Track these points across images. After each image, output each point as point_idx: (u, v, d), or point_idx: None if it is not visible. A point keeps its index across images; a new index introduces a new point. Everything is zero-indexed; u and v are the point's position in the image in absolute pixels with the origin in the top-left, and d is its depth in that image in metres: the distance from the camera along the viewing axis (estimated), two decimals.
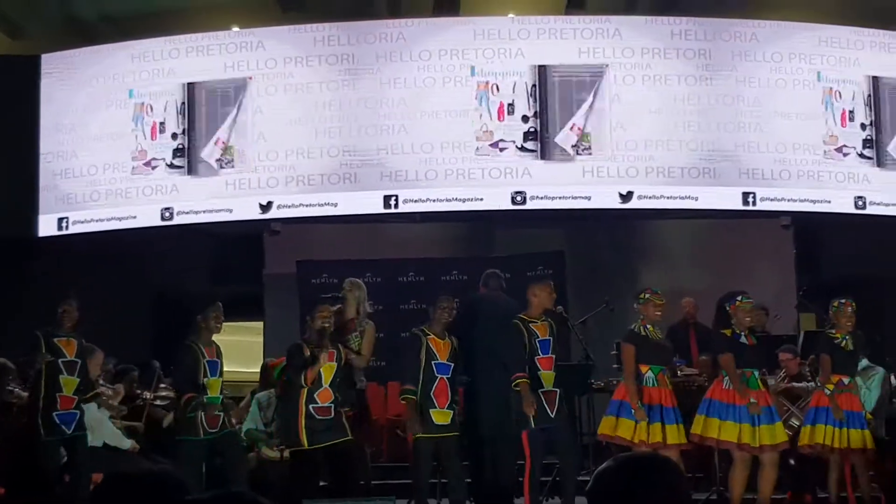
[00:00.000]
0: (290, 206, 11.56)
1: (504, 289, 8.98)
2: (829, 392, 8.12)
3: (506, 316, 8.42)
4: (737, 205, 11.45)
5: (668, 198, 11.38)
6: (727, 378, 7.93)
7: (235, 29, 12.22)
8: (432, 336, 8.09)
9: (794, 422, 8.71)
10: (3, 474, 8.54)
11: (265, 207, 11.54)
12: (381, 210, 11.42)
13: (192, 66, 11.83)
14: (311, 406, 7.75)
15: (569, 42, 11.51)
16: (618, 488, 2.63)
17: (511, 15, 12.11)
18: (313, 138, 11.51)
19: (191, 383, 8.09)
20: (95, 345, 8.91)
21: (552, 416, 7.91)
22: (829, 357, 8.20)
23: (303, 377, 7.73)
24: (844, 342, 8.21)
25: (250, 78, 11.68)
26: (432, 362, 8.01)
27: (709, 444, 8.09)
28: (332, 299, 8.69)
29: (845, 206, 11.62)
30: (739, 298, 8.10)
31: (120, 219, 11.90)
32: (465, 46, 11.51)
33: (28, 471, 8.15)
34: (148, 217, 11.79)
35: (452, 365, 8.04)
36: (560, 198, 11.31)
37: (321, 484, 8.02)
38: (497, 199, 11.34)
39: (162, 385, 9.71)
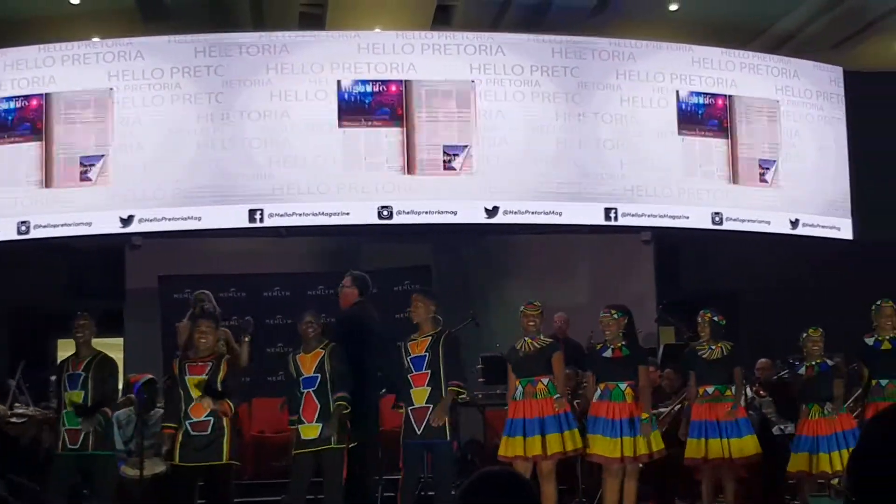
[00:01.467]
0: (152, 220, 11.33)
1: (370, 294, 8.96)
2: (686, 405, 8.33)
3: (377, 330, 8.48)
4: (599, 220, 11.65)
5: (532, 213, 11.51)
6: (597, 392, 8.12)
7: (96, 39, 11.96)
8: (300, 353, 8.07)
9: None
10: None
11: (126, 221, 11.28)
12: (247, 224, 11.27)
13: (54, 75, 11.50)
14: (187, 422, 7.61)
15: (436, 57, 11.56)
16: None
17: (377, 29, 12.13)
18: (177, 151, 11.32)
19: (54, 397, 7.95)
20: None
21: (418, 433, 7.93)
22: (693, 372, 8.42)
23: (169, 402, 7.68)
24: (710, 352, 8.39)
25: (111, 89, 11.42)
26: (300, 378, 7.99)
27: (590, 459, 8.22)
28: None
29: (703, 221, 11.92)
30: (601, 314, 8.29)
31: None
32: (331, 60, 11.45)
33: None
34: (3, 231, 11.40)
35: (318, 376, 7.97)
36: (426, 212, 11.35)
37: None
38: (363, 214, 11.32)
39: (17, 404, 9.44)
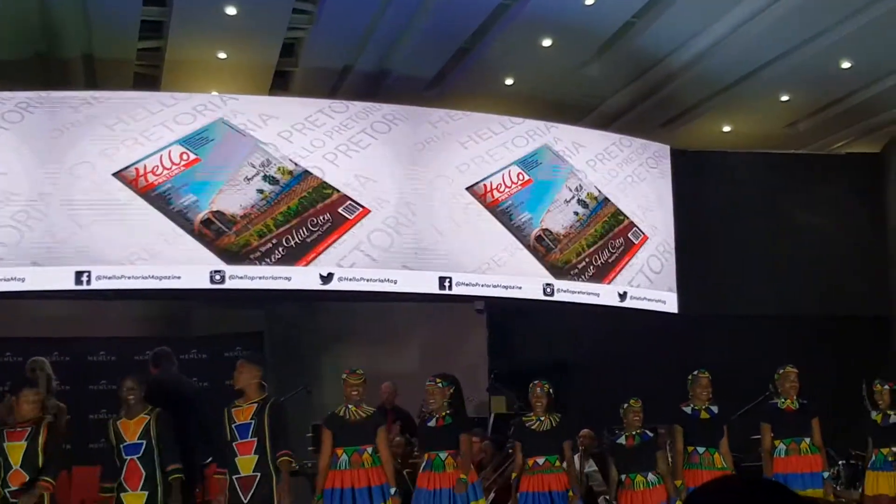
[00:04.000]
0: None
1: (174, 365, 8.84)
2: (513, 479, 8.41)
3: (184, 395, 8.33)
4: (433, 289, 11.73)
5: (367, 280, 11.51)
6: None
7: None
8: (122, 419, 7.84)
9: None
10: None
11: None
12: (73, 287, 10.94)
13: None
14: (6, 489, 7.39)
15: (272, 122, 11.50)
16: None
17: (214, 92, 12.05)
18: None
19: None
20: None
21: (245, 502, 7.78)
22: (519, 444, 8.50)
23: None
24: (538, 423, 8.49)
25: None
26: (121, 445, 7.76)
27: None
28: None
29: (535, 292, 12.12)
30: (427, 383, 8.34)
31: None
32: (164, 120, 11.25)
33: None
34: None
35: (144, 443, 7.76)
36: (261, 278, 11.22)
37: None
38: (196, 278, 11.12)
39: None
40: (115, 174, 11.08)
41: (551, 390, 8.61)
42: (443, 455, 8.15)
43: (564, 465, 8.42)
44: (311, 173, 11.46)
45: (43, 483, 7.52)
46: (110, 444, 7.82)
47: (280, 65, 12.82)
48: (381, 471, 8.02)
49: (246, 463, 7.82)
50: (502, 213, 12.11)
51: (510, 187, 12.18)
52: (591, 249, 12.48)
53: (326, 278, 11.35)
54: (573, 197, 12.52)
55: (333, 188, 11.48)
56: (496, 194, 12.11)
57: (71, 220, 10.97)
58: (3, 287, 10.90)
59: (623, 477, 8.37)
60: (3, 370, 10.67)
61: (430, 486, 8.05)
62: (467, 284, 11.85)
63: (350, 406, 8.15)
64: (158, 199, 11.05)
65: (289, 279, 11.31)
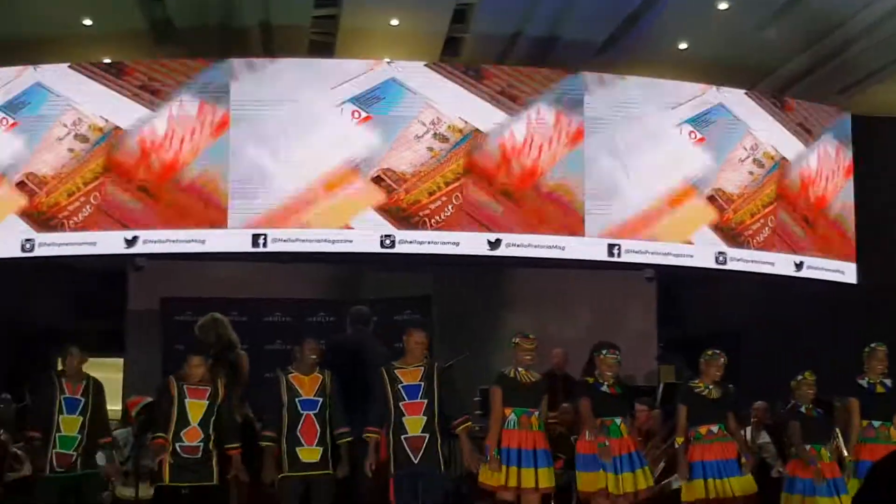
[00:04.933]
0: (156, 242, 11.36)
1: (370, 326, 8.98)
2: (677, 445, 8.29)
3: (372, 358, 8.45)
4: (602, 256, 11.65)
5: (535, 246, 11.51)
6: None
7: (107, 60, 12.03)
8: (295, 374, 8.02)
9: (675, 484, 8.79)
10: None
11: (130, 242, 11.32)
12: (250, 249, 11.29)
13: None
14: (177, 444, 7.68)
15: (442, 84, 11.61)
16: None
17: (386, 59, 12.18)
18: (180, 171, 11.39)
19: (43, 418, 7.91)
20: None
21: (415, 462, 7.90)
22: (686, 408, 8.36)
23: (161, 418, 7.68)
24: (708, 391, 8.37)
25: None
26: (296, 399, 7.93)
27: (590, 497, 8.17)
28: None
29: (706, 260, 11.92)
30: (604, 352, 8.25)
31: None
32: (341, 83, 11.50)
33: None
34: (8, 248, 11.41)
35: (321, 400, 7.95)
36: (429, 242, 11.35)
37: None
38: (366, 242, 11.34)
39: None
40: (293, 137, 11.38)
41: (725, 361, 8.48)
42: (618, 421, 8.12)
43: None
44: (480, 131, 11.52)
45: (232, 451, 7.83)
46: (277, 396, 8.00)
47: (451, 31, 12.87)
48: (545, 436, 8.07)
49: (415, 423, 7.93)
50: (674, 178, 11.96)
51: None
52: (766, 210, 12.19)
53: (494, 244, 11.39)
54: (748, 157, 12.25)
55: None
56: None
57: (247, 184, 11.31)
58: (185, 248, 11.33)
59: (803, 448, 8.21)
60: (183, 328, 11.06)
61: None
62: (637, 252, 11.74)
63: (520, 369, 8.19)
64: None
65: (457, 244, 11.40)
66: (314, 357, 8.03)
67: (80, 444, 7.97)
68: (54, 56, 11.96)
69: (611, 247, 11.65)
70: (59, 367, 8.27)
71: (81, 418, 7.97)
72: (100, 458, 8.54)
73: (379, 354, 8.64)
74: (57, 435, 7.88)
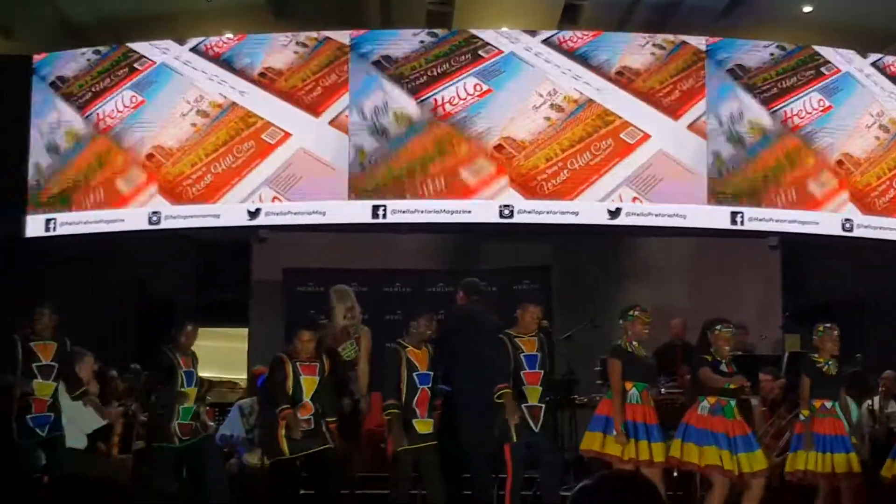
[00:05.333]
0: (278, 214, 11.54)
1: (482, 297, 8.97)
2: (803, 418, 8.14)
3: (487, 328, 8.47)
4: (725, 224, 11.46)
5: (656, 215, 11.38)
6: (702, 404, 7.94)
7: (228, 35, 12.22)
8: (410, 347, 8.12)
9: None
10: None
11: (253, 214, 11.52)
12: (370, 220, 11.40)
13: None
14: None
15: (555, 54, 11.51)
16: None
17: (504, 28, 12.13)
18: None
19: (168, 392, 8.13)
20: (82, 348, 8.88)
21: (536, 431, 7.94)
22: (809, 380, 8.20)
23: (280, 393, 7.82)
24: (827, 366, 8.21)
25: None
26: (413, 373, 8.04)
27: (689, 468, 8.09)
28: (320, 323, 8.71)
29: (833, 228, 11.64)
30: (719, 328, 8.09)
31: (108, 221, 11.86)
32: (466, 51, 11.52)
33: (7, 473, 8.13)
34: (136, 220, 11.75)
35: (431, 374, 8.08)
36: (548, 212, 11.31)
37: (302, 492, 8.04)
38: (485, 212, 11.34)
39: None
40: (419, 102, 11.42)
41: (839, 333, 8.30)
42: (733, 403, 7.99)
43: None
44: (594, 101, 11.42)
45: (331, 425, 7.99)
46: (395, 367, 8.08)
47: None
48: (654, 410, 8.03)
49: (534, 392, 8.00)
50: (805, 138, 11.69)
51: (811, 114, 11.72)
52: (893, 174, 11.85)
53: (614, 213, 11.29)
54: (874, 122, 11.90)
55: (616, 115, 11.39)
56: (796, 120, 11.67)
57: (366, 155, 11.41)
58: (306, 220, 11.49)
59: None
60: (306, 299, 11.23)
61: (720, 429, 7.87)
62: (760, 219, 11.52)
63: (634, 342, 8.14)
64: (455, 127, 11.35)
65: (576, 214, 11.33)
66: (430, 332, 8.13)
67: (197, 413, 8.28)
68: (177, 32, 12.20)
69: (734, 214, 11.45)
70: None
71: (197, 389, 8.30)
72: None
73: (493, 324, 8.65)
74: (180, 407, 8.11)
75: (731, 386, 7.91)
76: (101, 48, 12.27)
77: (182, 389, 8.17)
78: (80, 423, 8.69)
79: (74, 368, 8.48)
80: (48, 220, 12.02)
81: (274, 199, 11.51)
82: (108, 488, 2.40)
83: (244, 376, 11.48)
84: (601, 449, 7.95)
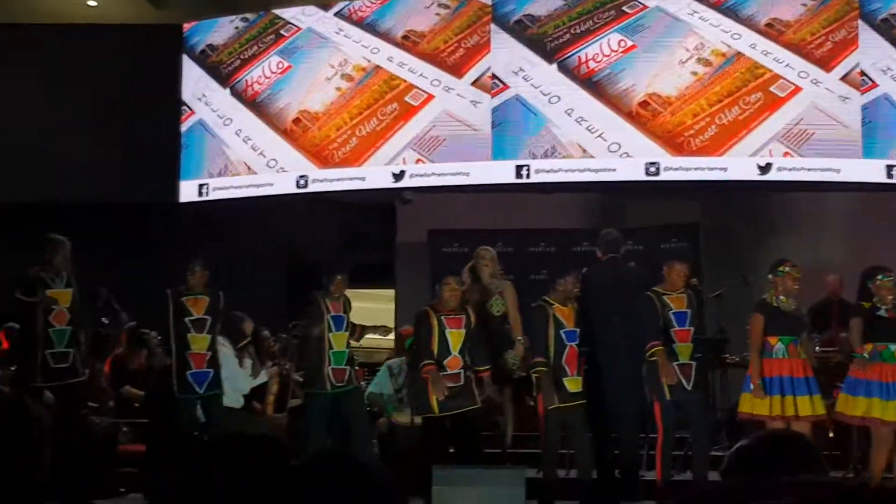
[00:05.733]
0: (422, 175, 11.62)
1: (622, 252, 8.82)
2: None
3: (630, 284, 8.40)
4: (880, 178, 11.07)
5: (808, 170, 11.06)
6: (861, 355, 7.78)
7: None
8: (557, 305, 8.09)
9: None
10: (144, 432, 8.85)
11: (398, 177, 11.62)
12: (513, 180, 11.37)
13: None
14: (440, 374, 7.88)
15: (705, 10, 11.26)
16: (755, 465, 2.58)
17: None
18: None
19: (313, 338, 8.27)
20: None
21: (688, 389, 7.86)
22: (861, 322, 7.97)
23: (425, 348, 7.89)
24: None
25: None
26: (560, 331, 8.03)
27: (847, 421, 7.93)
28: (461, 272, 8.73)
29: None
30: (880, 277, 7.92)
31: (257, 185, 12.13)
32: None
33: (166, 429, 8.37)
34: (284, 184, 11.99)
35: (578, 331, 8.06)
36: (695, 169, 11.09)
37: (451, 451, 8.11)
38: (630, 170, 11.20)
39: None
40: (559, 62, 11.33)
41: None
42: (893, 347, 7.78)
43: None
44: (742, 54, 11.13)
45: (483, 373, 8.00)
46: (540, 325, 8.06)
47: None
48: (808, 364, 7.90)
49: (684, 350, 7.94)
50: None
51: None
52: None
53: (765, 168, 11.01)
54: None
55: (766, 68, 11.09)
56: None
57: (510, 114, 11.38)
58: (451, 181, 11.53)
59: None
60: (449, 260, 11.27)
61: (882, 377, 7.69)
62: None
63: (781, 297, 7.98)
64: (598, 85, 11.21)
65: (724, 170, 11.09)
66: (577, 290, 8.10)
67: (350, 358, 8.37)
68: None
69: (889, 168, 11.05)
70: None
71: (347, 333, 8.40)
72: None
73: (636, 281, 8.56)
74: (330, 352, 8.22)
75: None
76: (248, 15, 12.53)
77: (331, 334, 8.28)
78: (238, 382, 8.91)
79: (234, 323, 8.70)
80: (201, 186, 12.37)
81: (418, 160, 11.58)
82: (266, 446, 2.44)
83: (392, 336, 11.60)
84: (751, 410, 7.85)
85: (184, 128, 12.50)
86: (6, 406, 1.89)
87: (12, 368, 8.88)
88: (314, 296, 8.44)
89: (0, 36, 13.46)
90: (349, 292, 8.75)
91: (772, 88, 11.06)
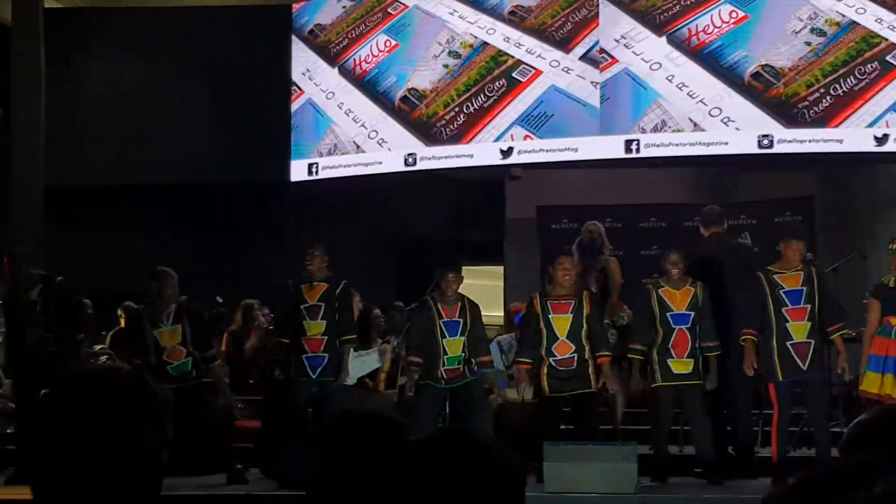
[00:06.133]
0: (530, 152, 11.58)
1: (724, 225, 8.67)
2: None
3: (739, 259, 8.28)
4: None
5: None
6: None
7: None
8: (666, 287, 7.99)
9: None
10: (259, 413, 9.00)
11: (506, 153, 11.59)
12: (623, 155, 11.27)
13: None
14: (550, 359, 7.87)
15: None
16: (875, 441, 2.53)
17: None
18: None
19: (419, 346, 8.23)
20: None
21: (803, 369, 7.72)
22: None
23: (525, 339, 7.88)
24: None
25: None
26: (667, 314, 7.93)
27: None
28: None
29: None
30: (890, 247, 7.75)
31: (366, 164, 12.23)
32: None
33: (281, 410, 8.49)
34: (392, 163, 12.06)
35: (692, 314, 7.92)
36: (810, 141, 10.85)
37: (563, 427, 8.11)
38: (743, 143, 11.00)
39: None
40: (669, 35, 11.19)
41: None
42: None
43: None
44: (857, 24, 10.83)
45: (602, 358, 7.95)
46: (647, 309, 7.98)
47: None
48: None
49: (800, 329, 7.75)
50: None
51: None
52: None
53: (881, 140, 10.72)
54: None
55: (882, 37, 10.77)
56: None
57: (618, 89, 11.27)
58: (558, 157, 11.47)
59: None
60: (558, 236, 11.24)
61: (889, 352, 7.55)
62: None
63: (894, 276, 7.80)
64: (708, 57, 11.04)
65: (840, 142, 10.83)
66: (676, 271, 7.97)
67: (464, 360, 8.26)
68: None
69: None
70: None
71: (462, 339, 8.22)
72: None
73: (742, 258, 8.42)
74: (444, 356, 8.18)
75: None
76: None
77: (445, 340, 8.13)
78: (353, 368, 8.94)
79: (347, 311, 8.64)
80: (311, 165, 12.50)
81: (526, 137, 11.54)
82: (381, 422, 2.46)
83: (500, 313, 11.63)
84: (865, 388, 7.71)
85: (294, 108, 12.64)
86: (129, 381, 1.92)
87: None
88: (426, 300, 8.37)
89: (117, 19, 13.79)
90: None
91: (888, 58, 10.76)
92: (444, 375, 8.17)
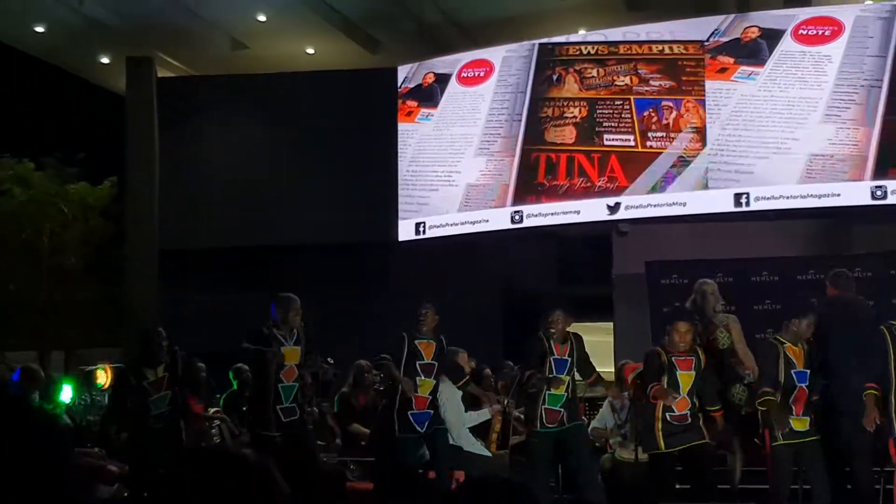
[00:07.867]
0: (638, 207, 11.53)
1: (854, 289, 8.53)
2: None
3: (863, 319, 8.09)
4: None
5: None
6: None
7: (582, 32, 12.32)
8: (788, 344, 7.87)
9: None
10: (371, 472, 9.03)
11: (612, 209, 11.56)
12: (732, 209, 11.15)
13: None
14: (667, 414, 7.78)
15: None
16: None
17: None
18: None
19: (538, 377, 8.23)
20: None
21: None
22: None
23: (650, 389, 7.79)
24: None
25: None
26: (791, 371, 7.80)
27: None
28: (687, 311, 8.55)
29: None
30: None
31: (473, 222, 12.28)
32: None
33: (391, 467, 8.50)
34: (499, 220, 12.09)
35: (808, 371, 7.81)
36: None
37: (678, 486, 7.98)
38: (855, 195, 10.80)
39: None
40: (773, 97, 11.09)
41: None
42: None
43: None
44: None
45: (715, 413, 7.86)
46: (770, 360, 7.83)
47: None
48: None
49: None
50: None
51: None
52: None
53: None
54: None
55: None
56: None
57: (726, 143, 11.18)
58: (667, 211, 11.40)
59: None
60: (671, 291, 11.10)
61: None
62: None
63: None
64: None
65: None
66: (809, 333, 7.86)
67: (567, 400, 8.18)
68: (533, 32, 12.43)
69: None
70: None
71: (568, 378, 8.19)
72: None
73: (869, 316, 8.24)
74: (547, 394, 8.15)
75: None
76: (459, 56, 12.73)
77: (553, 376, 8.13)
78: (459, 419, 8.95)
79: (455, 360, 8.73)
80: (418, 224, 12.59)
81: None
82: (498, 486, 2.47)
83: (611, 369, 11.52)
84: None
85: (401, 167, 12.78)
86: (226, 460, 1.98)
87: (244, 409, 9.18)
88: (540, 335, 8.38)
89: (232, 86, 14.13)
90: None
91: None
92: (543, 416, 8.11)
